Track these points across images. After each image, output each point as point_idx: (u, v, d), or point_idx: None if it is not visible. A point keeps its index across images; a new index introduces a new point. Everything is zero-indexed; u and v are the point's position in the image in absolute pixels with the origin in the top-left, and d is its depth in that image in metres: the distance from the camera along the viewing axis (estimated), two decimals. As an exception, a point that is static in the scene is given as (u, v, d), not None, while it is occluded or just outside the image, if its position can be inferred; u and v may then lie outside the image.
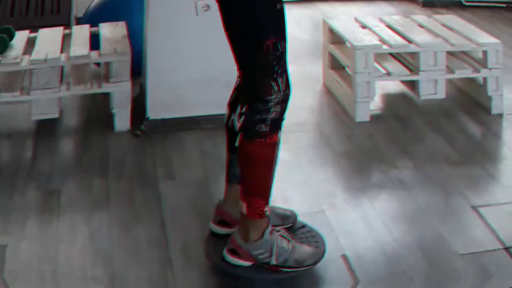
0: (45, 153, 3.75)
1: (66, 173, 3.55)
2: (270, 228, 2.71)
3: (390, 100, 4.40)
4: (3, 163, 3.67)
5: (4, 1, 5.94)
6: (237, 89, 2.85)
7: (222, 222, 2.90)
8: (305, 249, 2.79)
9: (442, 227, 3.08)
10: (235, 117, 2.82)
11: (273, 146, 2.62)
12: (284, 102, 2.60)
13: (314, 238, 2.93)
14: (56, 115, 3.92)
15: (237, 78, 2.86)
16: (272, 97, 2.57)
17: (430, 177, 3.50)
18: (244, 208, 2.67)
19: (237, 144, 2.76)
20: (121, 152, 3.75)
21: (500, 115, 4.19)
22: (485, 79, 4.20)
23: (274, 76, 2.57)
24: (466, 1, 6.73)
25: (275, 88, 2.57)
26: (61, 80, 3.97)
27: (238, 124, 2.78)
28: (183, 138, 3.87)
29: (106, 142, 3.85)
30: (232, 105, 2.85)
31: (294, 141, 3.82)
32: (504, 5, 6.75)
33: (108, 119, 4.02)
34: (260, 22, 2.54)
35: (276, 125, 2.60)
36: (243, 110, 2.72)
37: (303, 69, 4.85)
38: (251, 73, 2.62)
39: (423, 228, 3.09)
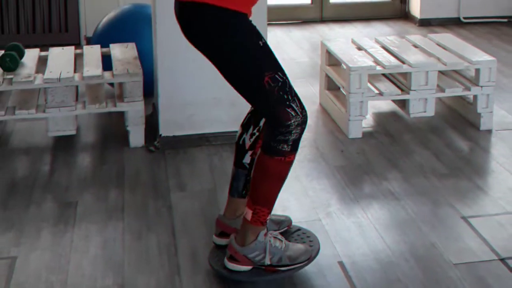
0: (62, 167, 3.63)
1: (83, 185, 3.43)
2: (264, 230, 2.62)
3: (381, 118, 4.29)
4: (20, 177, 3.53)
5: (10, 18, 5.76)
6: (251, 113, 2.77)
7: (222, 234, 2.81)
8: (297, 247, 2.71)
9: (433, 236, 2.95)
10: (246, 136, 2.75)
11: (290, 164, 2.56)
12: (303, 123, 2.53)
13: (309, 238, 2.86)
14: (73, 132, 3.80)
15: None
16: (292, 121, 2.50)
17: (419, 188, 3.38)
18: (248, 215, 2.59)
19: (244, 160, 2.73)
20: (136, 166, 3.65)
21: (489, 131, 4.05)
22: (475, 96, 4.07)
23: (287, 103, 2.49)
24: (464, 18, 6.54)
25: (292, 113, 2.49)
26: (76, 99, 3.87)
27: (248, 143, 2.74)
28: (193, 153, 3.79)
29: (121, 157, 3.75)
30: (245, 126, 2.77)
31: (293, 156, 3.76)
32: (505, 20, 6.53)
33: (123, 136, 3.92)
34: (250, 65, 2.46)
35: (296, 145, 2.54)
36: (255, 131, 2.71)
37: (301, 90, 4.66)
38: (264, 109, 2.54)
39: (415, 236, 2.96)
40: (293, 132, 2.51)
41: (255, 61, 2.47)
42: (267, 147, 2.54)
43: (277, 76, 2.48)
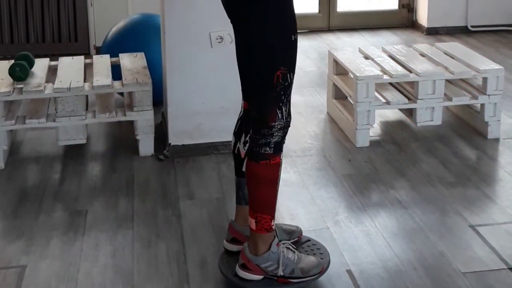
0: (72, 175, 3.65)
1: (93, 194, 3.44)
2: (276, 240, 2.63)
3: (388, 126, 4.30)
4: (30, 186, 3.55)
5: (20, 28, 5.77)
6: (241, 120, 2.78)
7: (234, 240, 2.82)
8: (310, 259, 2.71)
9: (441, 245, 2.95)
10: (240, 144, 2.77)
11: (276, 167, 2.56)
12: (286, 127, 2.55)
13: (319, 250, 2.85)
14: (83, 141, 3.82)
15: (241, 109, 2.78)
16: (276, 123, 2.52)
17: (426, 197, 3.38)
18: (252, 224, 2.59)
19: (243, 168, 2.73)
20: (145, 174, 3.67)
21: (497, 140, 4.04)
22: (482, 105, 4.06)
23: (280, 105, 2.51)
24: (471, 26, 6.52)
25: (279, 115, 2.51)
26: (86, 108, 3.89)
27: (243, 151, 2.75)
28: (202, 161, 3.80)
29: (131, 166, 3.76)
30: (237, 134, 2.78)
31: (300, 164, 3.76)
32: (513, 27, 6.51)
33: (133, 145, 3.93)
34: (274, 51, 2.45)
35: (279, 147, 2.55)
36: (247, 138, 2.70)
37: (309, 99, 4.78)
38: (258, 101, 2.54)
39: (423, 245, 2.96)
40: (275, 134, 2.53)
41: (279, 49, 2.46)
42: (251, 152, 2.56)
43: (288, 75, 2.49)
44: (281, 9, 2.44)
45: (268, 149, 2.53)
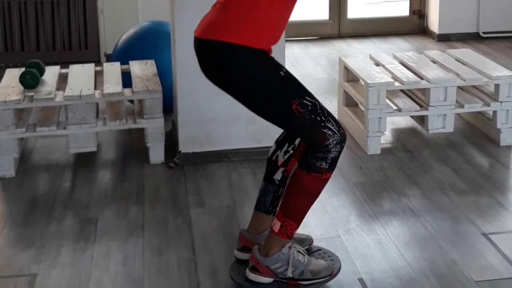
0: (82, 183, 3.66)
1: (103, 202, 3.45)
2: (289, 243, 2.63)
3: (400, 133, 4.29)
4: (41, 194, 3.56)
5: (31, 36, 5.78)
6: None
7: (244, 249, 2.82)
8: (320, 262, 2.72)
9: (453, 253, 2.94)
10: (280, 153, 2.75)
11: (325, 182, 2.57)
12: (342, 141, 2.54)
13: (330, 257, 2.86)
14: (93, 149, 3.82)
15: None
16: (330, 140, 2.51)
17: (438, 205, 3.37)
18: (276, 226, 2.59)
19: (275, 177, 2.74)
20: (156, 182, 3.67)
21: (509, 147, 4.02)
22: (494, 112, 4.05)
23: (322, 124, 2.50)
24: (483, 33, 6.50)
25: (330, 133, 2.50)
26: (97, 116, 3.90)
27: (281, 159, 2.74)
28: (212, 169, 3.80)
29: (141, 174, 3.77)
30: (280, 143, 2.77)
31: (312, 172, 3.75)
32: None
33: (143, 152, 3.94)
34: (276, 97, 2.48)
35: (334, 163, 2.55)
36: (289, 149, 2.71)
37: (320, 106, 4.77)
38: (301, 135, 2.57)
39: (435, 253, 2.95)
40: (332, 150, 2.52)
41: (279, 93, 2.49)
42: (305, 162, 2.54)
43: (304, 101, 2.49)
44: (254, 61, 2.47)
45: (324, 163, 2.52)
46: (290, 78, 2.51)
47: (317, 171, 2.53)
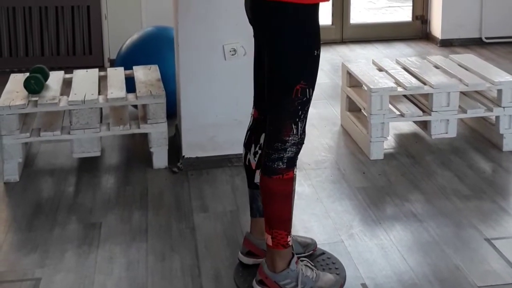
0: (86, 188, 3.66)
1: (107, 207, 3.45)
2: (295, 258, 2.61)
3: (403, 139, 4.29)
4: (45, 198, 3.56)
5: (35, 41, 5.78)
6: (250, 130, 2.77)
7: (249, 253, 2.82)
8: (328, 277, 2.70)
9: (456, 258, 2.94)
10: (250, 155, 2.76)
11: (290, 181, 2.55)
12: (300, 144, 2.54)
13: (334, 265, 2.85)
14: (97, 153, 3.83)
15: (250, 119, 2.78)
16: (290, 138, 2.50)
17: (441, 210, 3.37)
18: (269, 240, 2.58)
19: (256, 180, 2.73)
20: (159, 187, 3.67)
21: (512, 152, 4.04)
22: (497, 117, 4.05)
23: (296, 120, 2.49)
24: (486, 38, 6.48)
25: (294, 130, 2.50)
26: (100, 121, 3.91)
27: (253, 162, 2.74)
28: (215, 174, 3.81)
29: (145, 178, 3.77)
30: (247, 145, 2.78)
31: (314, 177, 3.76)
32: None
33: (146, 157, 3.95)
34: (295, 65, 2.44)
35: (292, 162, 2.54)
36: (257, 149, 2.70)
37: (322, 111, 4.78)
38: (275, 115, 2.53)
39: (438, 258, 2.95)
40: (288, 149, 2.51)
41: (301, 64, 2.45)
42: (264, 167, 2.55)
43: (307, 90, 2.47)
44: (307, 23, 2.44)
45: (281, 163, 2.52)
46: (317, 63, 2.49)
47: (276, 173, 2.52)
